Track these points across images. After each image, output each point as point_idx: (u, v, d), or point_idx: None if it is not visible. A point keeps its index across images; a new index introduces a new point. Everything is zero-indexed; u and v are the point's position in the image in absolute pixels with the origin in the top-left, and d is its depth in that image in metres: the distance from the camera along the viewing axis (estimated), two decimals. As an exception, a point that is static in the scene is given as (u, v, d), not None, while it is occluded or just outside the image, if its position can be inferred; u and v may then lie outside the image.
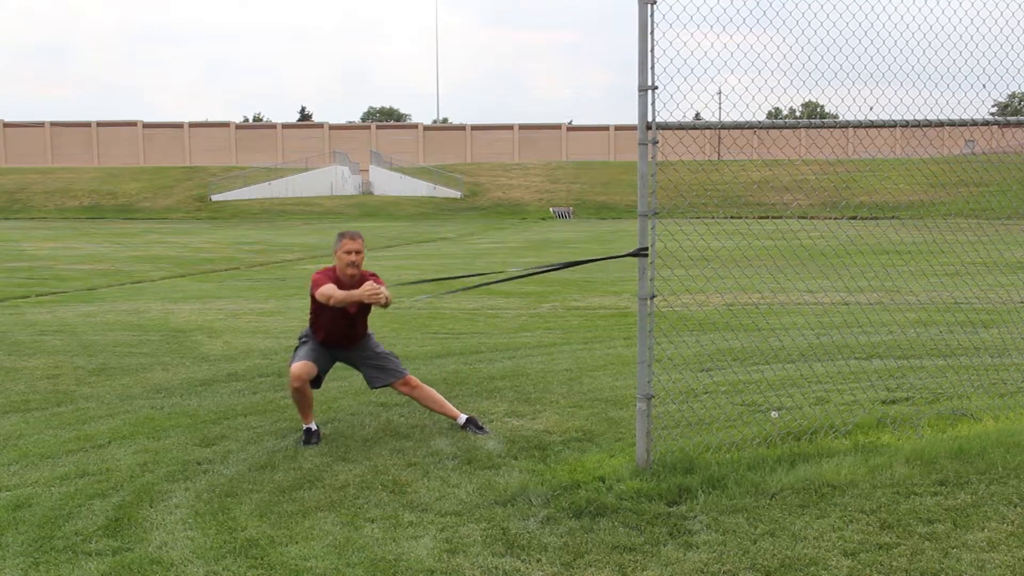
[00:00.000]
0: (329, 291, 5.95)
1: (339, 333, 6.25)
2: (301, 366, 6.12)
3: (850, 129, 5.68)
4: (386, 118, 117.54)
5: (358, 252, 6.12)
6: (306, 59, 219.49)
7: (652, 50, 5.05)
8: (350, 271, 6.11)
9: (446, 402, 6.48)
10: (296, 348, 6.41)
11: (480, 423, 6.38)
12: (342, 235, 6.18)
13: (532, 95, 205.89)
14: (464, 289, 6.66)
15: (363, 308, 6.25)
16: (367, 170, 70.76)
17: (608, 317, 12.16)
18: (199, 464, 5.64)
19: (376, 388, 6.55)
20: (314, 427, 6.24)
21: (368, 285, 5.98)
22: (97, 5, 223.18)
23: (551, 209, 59.34)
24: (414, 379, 6.43)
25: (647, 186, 5.19)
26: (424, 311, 12.60)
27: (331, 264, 6.29)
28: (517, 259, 20.83)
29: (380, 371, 6.37)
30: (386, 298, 5.98)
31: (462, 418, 6.37)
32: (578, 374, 8.23)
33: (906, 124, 5.64)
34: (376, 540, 4.41)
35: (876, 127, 5.62)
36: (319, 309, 6.16)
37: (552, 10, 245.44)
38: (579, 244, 30.09)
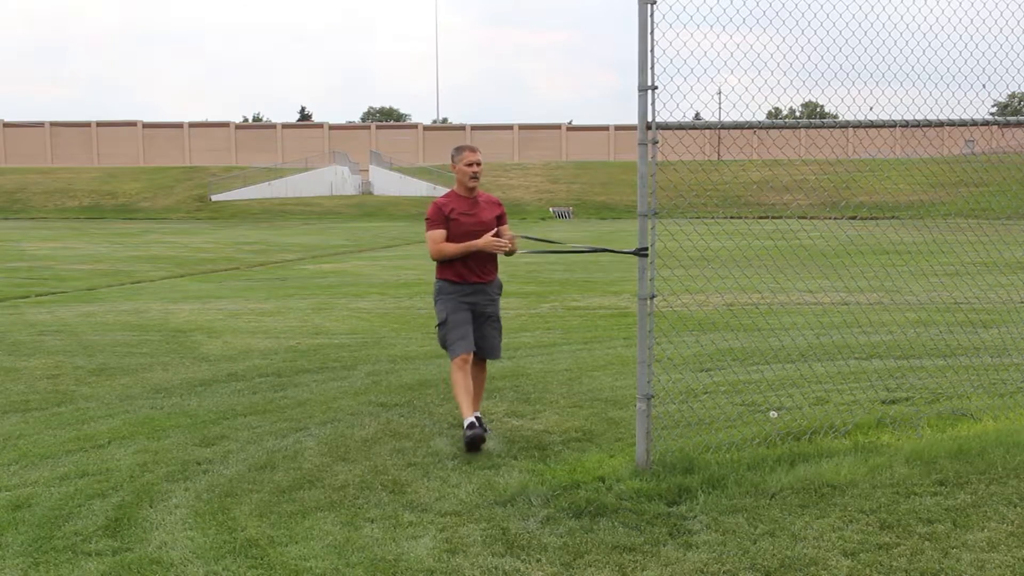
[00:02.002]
0: (441, 248, 6.04)
1: (475, 262, 6.12)
2: (462, 358, 6.05)
3: (850, 129, 5.68)
4: (386, 118, 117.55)
5: (479, 164, 6.10)
6: (306, 59, 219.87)
7: (652, 50, 5.05)
8: (470, 184, 6.10)
9: (478, 396, 6.42)
10: (439, 329, 6.24)
11: (485, 424, 6.31)
12: (461, 148, 6.14)
13: (532, 95, 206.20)
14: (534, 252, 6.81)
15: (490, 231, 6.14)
16: (367, 170, 70.76)
17: (608, 317, 12.16)
18: (199, 464, 5.64)
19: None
20: (474, 418, 5.96)
21: (488, 237, 5.99)
22: (97, 5, 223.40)
23: (551, 209, 59.33)
24: (486, 364, 6.49)
25: (647, 186, 5.19)
26: (423, 311, 12.59)
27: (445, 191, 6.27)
28: (517, 259, 20.83)
29: (487, 342, 6.27)
30: (509, 245, 6.01)
31: (475, 414, 6.17)
32: (578, 374, 8.22)
33: (906, 124, 5.64)
34: (376, 540, 4.41)
35: (876, 127, 5.62)
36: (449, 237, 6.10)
37: (552, 10, 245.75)
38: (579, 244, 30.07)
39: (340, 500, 4.97)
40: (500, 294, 6.39)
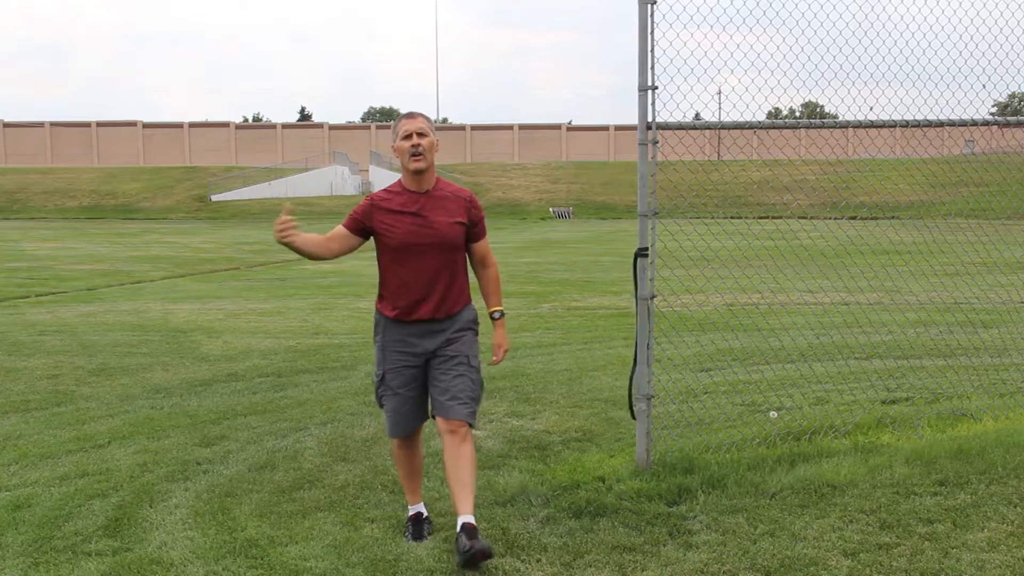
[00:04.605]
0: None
1: (418, 284, 4.23)
2: (396, 439, 4.44)
3: (850, 129, 5.68)
4: (386, 118, 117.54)
5: (420, 134, 4.23)
6: (306, 59, 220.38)
7: (652, 50, 5.05)
8: (412, 166, 4.22)
9: (468, 488, 4.17)
10: (376, 388, 4.44)
11: (475, 537, 4.03)
12: (399, 117, 4.37)
13: (532, 95, 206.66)
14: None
15: (446, 256, 4.27)
16: (367, 170, 70.77)
17: (608, 317, 12.16)
18: (199, 464, 5.64)
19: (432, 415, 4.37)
20: (423, 511, 4.51)
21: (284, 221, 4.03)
22: (97, 5, 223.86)
23: (551, 209, 59.32)
24: (468, 432, 4.24)
25: (647, 186, 5.19)
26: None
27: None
28: (517, 259, 20.83)
29: (447, 394, 4.24)
30: (288, 228, 4.03)
31: (465, 519, 4.10)
32: (578, 374, 8.22)
33: (906, 124, 5.64)
34: (376, 540, 4.40)
35: (876, 127, 5.62)
36: (380, 259, 4.36)
37: (552, 10, 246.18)
38: (579, 244, 30.09)
39: (340, 500, 4.97)
40: (474, 328, 4.45)
